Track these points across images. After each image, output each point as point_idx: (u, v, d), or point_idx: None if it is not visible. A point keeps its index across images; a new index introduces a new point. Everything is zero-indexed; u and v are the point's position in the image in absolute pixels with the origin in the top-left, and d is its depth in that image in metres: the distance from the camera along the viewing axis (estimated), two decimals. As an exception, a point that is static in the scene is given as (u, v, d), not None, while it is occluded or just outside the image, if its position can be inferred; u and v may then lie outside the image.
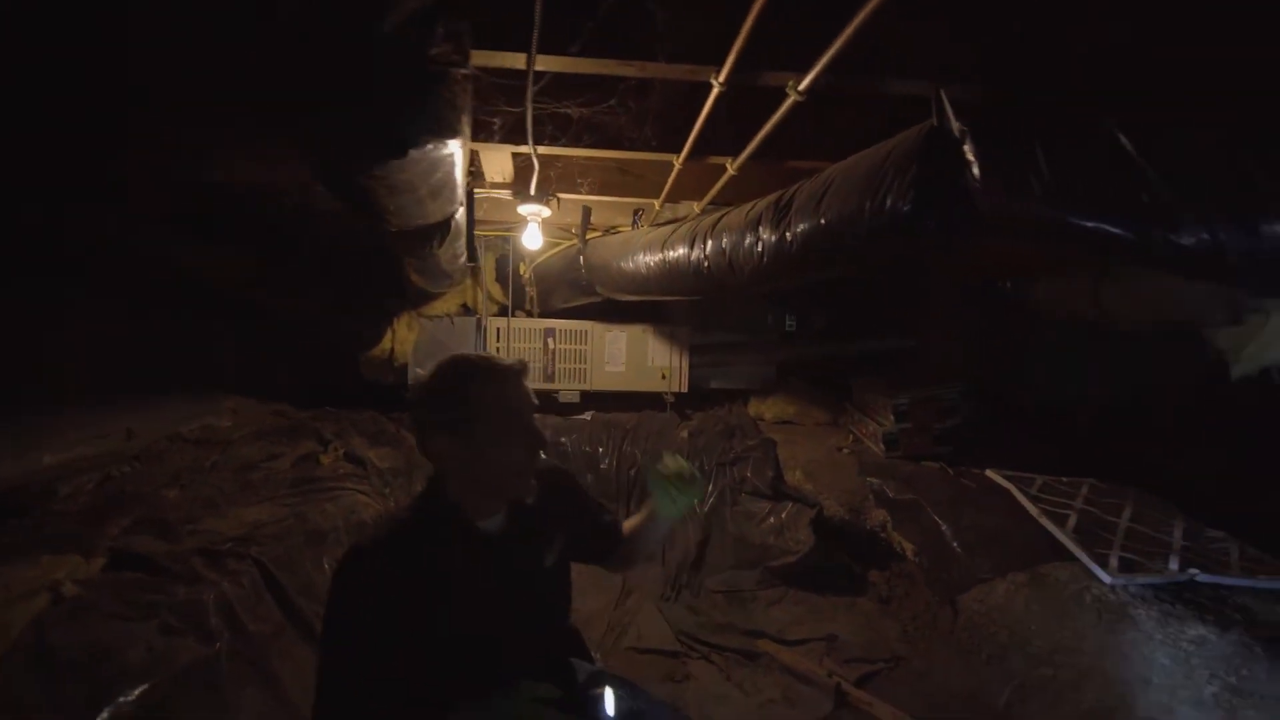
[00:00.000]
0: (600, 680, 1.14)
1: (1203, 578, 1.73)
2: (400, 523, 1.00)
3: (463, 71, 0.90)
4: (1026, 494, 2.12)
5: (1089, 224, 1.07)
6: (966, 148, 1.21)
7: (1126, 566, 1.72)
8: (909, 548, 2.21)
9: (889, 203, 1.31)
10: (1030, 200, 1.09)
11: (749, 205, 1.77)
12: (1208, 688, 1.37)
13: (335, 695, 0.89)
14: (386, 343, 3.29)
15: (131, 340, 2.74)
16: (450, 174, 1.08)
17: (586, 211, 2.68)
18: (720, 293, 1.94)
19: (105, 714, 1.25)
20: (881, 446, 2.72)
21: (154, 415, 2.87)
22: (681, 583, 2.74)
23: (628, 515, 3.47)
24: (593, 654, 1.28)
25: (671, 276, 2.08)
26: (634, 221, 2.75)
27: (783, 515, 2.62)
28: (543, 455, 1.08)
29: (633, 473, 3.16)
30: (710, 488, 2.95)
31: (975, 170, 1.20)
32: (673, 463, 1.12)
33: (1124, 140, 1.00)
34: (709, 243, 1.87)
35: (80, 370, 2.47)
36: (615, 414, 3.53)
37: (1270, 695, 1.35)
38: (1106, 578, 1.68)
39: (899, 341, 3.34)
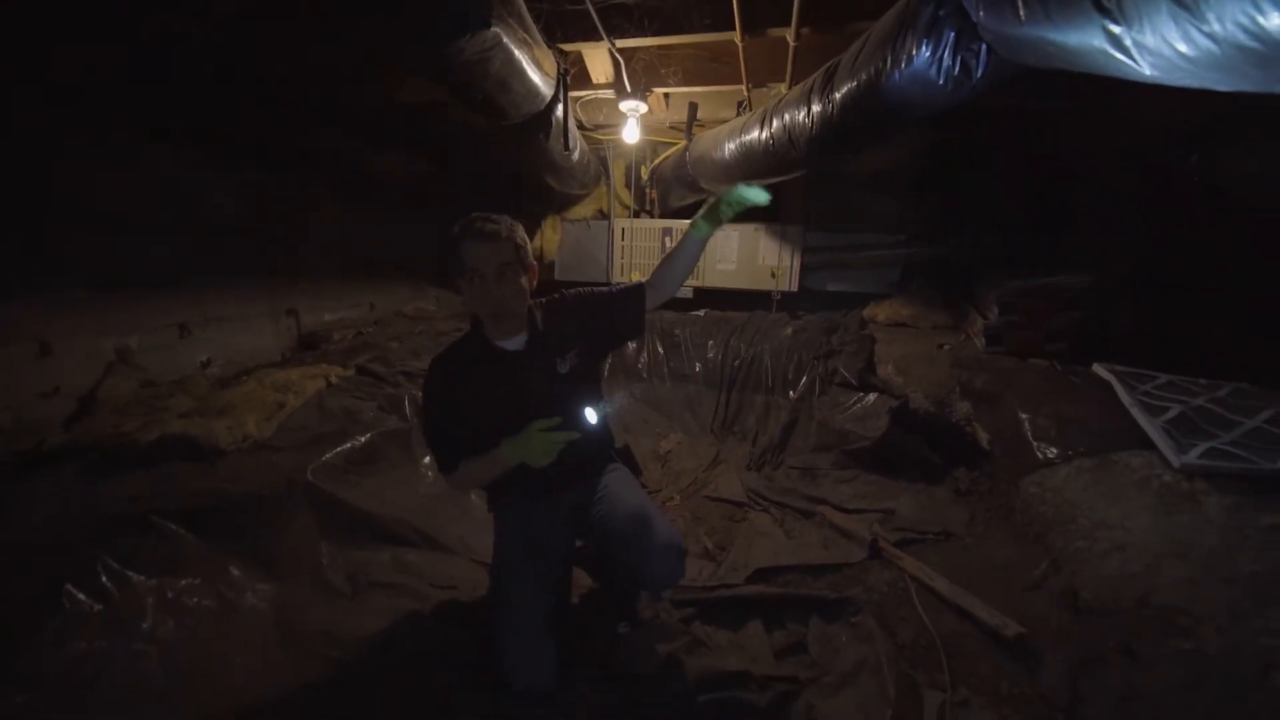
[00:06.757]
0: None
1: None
2: (458, 343, 1.46)
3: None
4: (1130, 387, 1.87)
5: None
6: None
7: (1213, 455, 1.52)
8: (985, 437, 2.16)
9: (906, 49, 1.34)
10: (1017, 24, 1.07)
11: (809, 79, 1.83)
12: (1249, 566, 1.28)
13: (432, 444, 1.44)
14: (536, 242, 3.96)
15: (376, 240, 3.87)
16: (510, 63, 1.45)
17: (693, 108, 2.87)
18: (787, 169, 2.05)
19: (350, 442, 2.08)
20: (983, 341, 2.52)
21: (387, 296, 4.04)
22: (765, 460, 3.02)
23: (728, 402, 3.74)
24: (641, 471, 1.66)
25: (748, 158, 2.23)
26: (739, 113, 2.85)
27: (866, 404, 2.69)
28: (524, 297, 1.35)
29: (736, 363, 3.43)
30: (804, 378, 3.11)
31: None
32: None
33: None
34: (774, 121, 1.98)
35: (344, 260, 3.62)
36: (729, 312, 3.78)
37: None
38: (1176, 459, 1.51)
39: (1048, 239, 2.91)
